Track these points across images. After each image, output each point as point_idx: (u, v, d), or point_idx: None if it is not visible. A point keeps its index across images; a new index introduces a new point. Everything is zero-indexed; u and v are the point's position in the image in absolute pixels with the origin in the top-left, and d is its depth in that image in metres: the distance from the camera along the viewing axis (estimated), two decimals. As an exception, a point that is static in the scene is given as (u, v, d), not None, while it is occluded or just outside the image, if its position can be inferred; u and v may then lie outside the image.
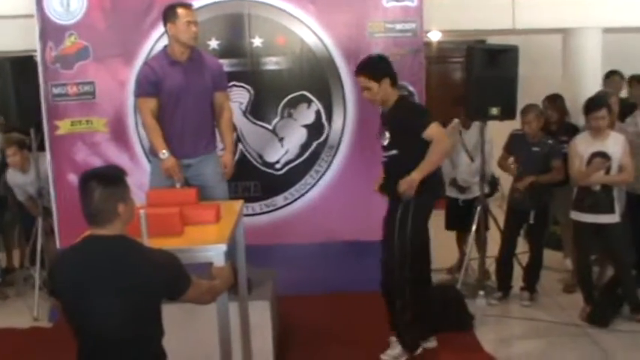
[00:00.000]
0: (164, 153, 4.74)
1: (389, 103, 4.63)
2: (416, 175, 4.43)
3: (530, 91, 6.55)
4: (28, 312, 6.07)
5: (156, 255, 2.87)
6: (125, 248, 2.85)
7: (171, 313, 2.97)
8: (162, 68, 4.80)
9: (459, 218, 6.40)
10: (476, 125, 6.18)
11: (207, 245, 3.48)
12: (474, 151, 6.27)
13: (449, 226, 6.67)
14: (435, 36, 8.07)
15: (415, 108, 4.90)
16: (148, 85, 4.83)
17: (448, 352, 4.95)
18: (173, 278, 2.89)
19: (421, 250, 4.73)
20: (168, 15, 4.73)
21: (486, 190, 6.30)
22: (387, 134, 4.61)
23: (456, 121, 6.46)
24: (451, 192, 6.49)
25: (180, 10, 4.70)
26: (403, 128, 4.54)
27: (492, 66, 5.75)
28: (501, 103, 5.76)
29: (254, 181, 5.92)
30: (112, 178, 2.85)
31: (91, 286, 2.77)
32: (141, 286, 2.78)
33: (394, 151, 4.59)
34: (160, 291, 2.85)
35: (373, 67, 4.61)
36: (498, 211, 6.70)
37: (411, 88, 5.83)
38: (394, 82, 4.63)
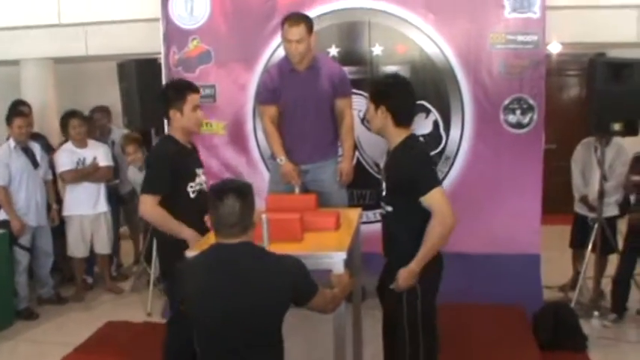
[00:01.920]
0: (282, 159, 4.84)
1: (392, 142, 3.67)
2: (415, 266, 3.57)
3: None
4: (142, 307, 6.26)
5: (285, 261, 2.91)
6: (255, 255, 2.91)
7: (286, 319, 2.98)
8: (282, 76, 4.91)
9: (586, 237, 6.04)
10: (614, 143, 5.98)
11: (328, 252, 3.47)
12: (609, 170, 5.98)
13: (574, 244, 6.44)
14: (554, 48, 7.89)
15: (419, 159, 3.65)
16: (267, 93, 4.99)
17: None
18: (301, 284, 2.92)
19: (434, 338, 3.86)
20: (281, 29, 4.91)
21: (617, 211, 6.12)
22: (384, 184, 3.73)
23: (590, 137, 6.23)
24: (581, 209, 6.28)
25: (285, 26, 4.84)
26: (401, 182, 3.59)
27: (616, 80, 5.50)
28: (624, 118, 5.52)
29: (369, 189, 5.84)
30: (246, 191, 2.90)
31: (221, 292, 2.81)
32: (271, 291, 2.81)
33: (389, 208, 3.70)
34: (288, 297, 2.88)
35: (375, 89, 3.72)
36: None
37: (531, 102, 5.67)
38: (399, 121, 3.61)
